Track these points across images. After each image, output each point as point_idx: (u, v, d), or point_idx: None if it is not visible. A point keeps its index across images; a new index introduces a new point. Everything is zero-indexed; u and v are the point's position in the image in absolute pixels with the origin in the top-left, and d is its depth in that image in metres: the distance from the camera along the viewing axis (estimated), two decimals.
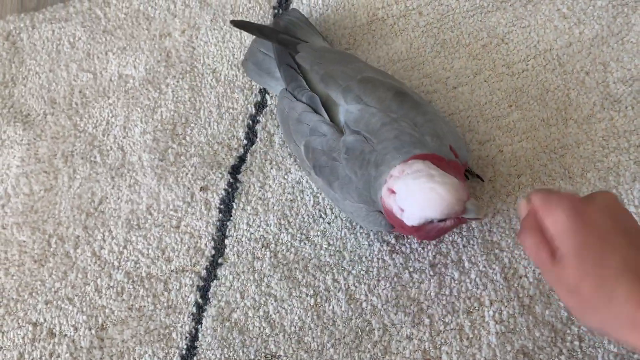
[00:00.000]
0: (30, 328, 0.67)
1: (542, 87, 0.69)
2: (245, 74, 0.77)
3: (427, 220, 0.52)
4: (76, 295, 0.68)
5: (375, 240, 0.65)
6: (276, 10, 0.80)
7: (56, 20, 0.86)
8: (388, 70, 0.73)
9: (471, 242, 0.63)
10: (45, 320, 0.67)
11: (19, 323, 0.67)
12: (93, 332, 0.66)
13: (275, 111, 0.74)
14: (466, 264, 0.62)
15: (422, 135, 0.56)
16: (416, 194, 0.51)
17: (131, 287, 0.67)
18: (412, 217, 0.52)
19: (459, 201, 0.50)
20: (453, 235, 0.63)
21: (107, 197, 0.73)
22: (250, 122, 0.75)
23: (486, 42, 0.72)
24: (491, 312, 0.59)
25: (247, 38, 0.79)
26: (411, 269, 0.63)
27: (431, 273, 0.62)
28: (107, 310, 0.67)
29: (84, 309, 0.67)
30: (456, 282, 0.61)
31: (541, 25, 0.72)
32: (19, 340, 0.66)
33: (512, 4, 0.74)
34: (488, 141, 0.67)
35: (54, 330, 0.67)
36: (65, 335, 0.66)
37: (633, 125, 0.64)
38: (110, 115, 0.79)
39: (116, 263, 0.69)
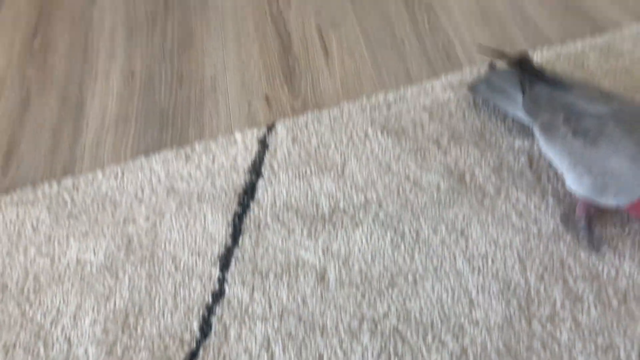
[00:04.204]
0: None
1: (503, 283, 0.67)
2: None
3: None
4: None
5: None
6: (241, 199, 0.82)
7: (22, 203, 0.87)
8: (347, 259, 0.72)
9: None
10: None
11: None
12: None
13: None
14: None
15: None
16: None
17: None
18: None
19: None
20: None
21: None
22: (206, 313, 0.71)
23: (444, 235, 0.73)
24: None
25: (210, 225, 0.80)
26: None
27: None
28: None
29: None
30: None
31: (499, 221, 0.73)
32: None
33: (468, 199, 0.76)
34: (453, 339, 0.64)
35: None
36: None
37: (598, 327, 0.62)
38: (62, 303, 0.75)
39: None
